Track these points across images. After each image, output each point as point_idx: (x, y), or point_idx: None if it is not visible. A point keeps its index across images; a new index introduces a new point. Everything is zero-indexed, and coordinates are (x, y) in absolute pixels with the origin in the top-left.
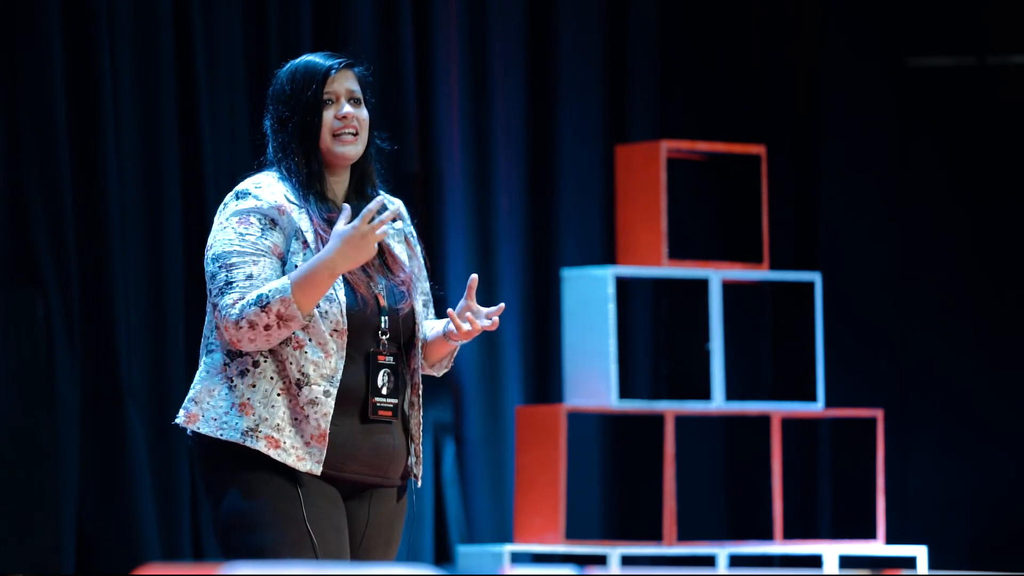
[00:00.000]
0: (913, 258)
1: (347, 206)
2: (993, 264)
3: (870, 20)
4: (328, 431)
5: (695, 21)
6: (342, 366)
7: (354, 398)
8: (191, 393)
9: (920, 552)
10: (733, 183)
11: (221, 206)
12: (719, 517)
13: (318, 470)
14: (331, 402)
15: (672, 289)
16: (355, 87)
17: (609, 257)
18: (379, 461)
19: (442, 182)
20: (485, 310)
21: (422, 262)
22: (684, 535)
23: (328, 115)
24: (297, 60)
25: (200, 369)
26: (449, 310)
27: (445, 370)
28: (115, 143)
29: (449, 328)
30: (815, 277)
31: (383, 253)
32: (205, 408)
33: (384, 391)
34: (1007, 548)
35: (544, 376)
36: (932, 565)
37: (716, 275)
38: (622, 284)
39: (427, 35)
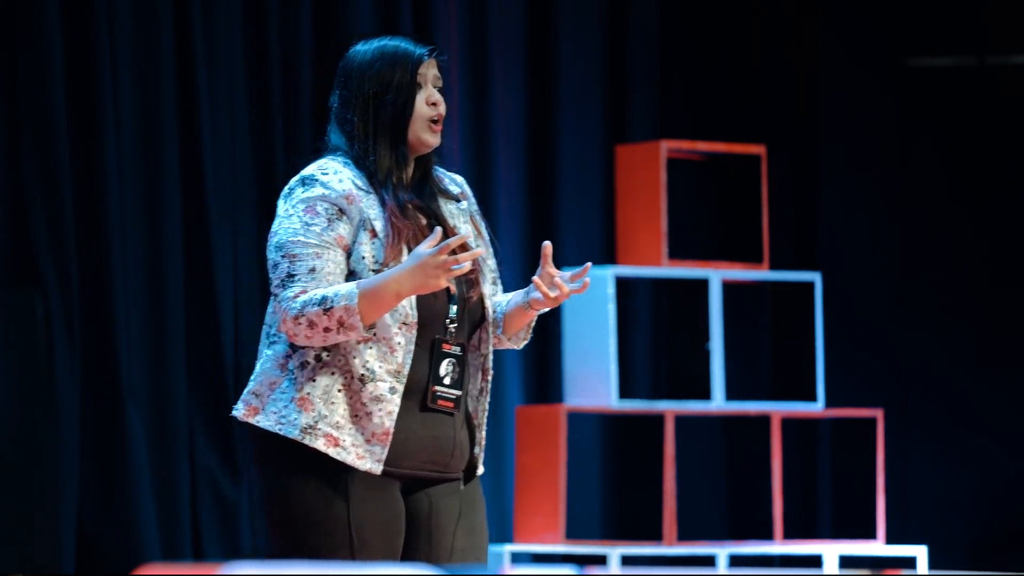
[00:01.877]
0: (913, 258)
1: (438, 229)
2: (993, 264)
3: (870, 20)
4: (392, 429)
5: (695, 21)
6: (410, 361)
7: (417, 389)
8: (251, 385)
9: (920, 552)
10: (733, 183)
11: (285, 192)
12: (719, 517)
13: (378, 469)
14: (397, 399)
15: (672, 289)
16: (439, 75)
17: (609, 257)
18: (439, 456)
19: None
20: (569, 273)
21: (488, 240)
22: (684, 535)
23: (420, 100)
24: (377, 40)
25: (261, 360)
26: (534, 278)
27: (525, 342)
28: (115, 143)
29: (533, 296)
30: (815, 277)
31: (450, 238)
32: (265, 401)
33: (447, 381)
34: (1007, 548)
35: (544, 376)
36: (932, 565)
37: (716, 275)
38: (622, 284)
39: (427, 35)
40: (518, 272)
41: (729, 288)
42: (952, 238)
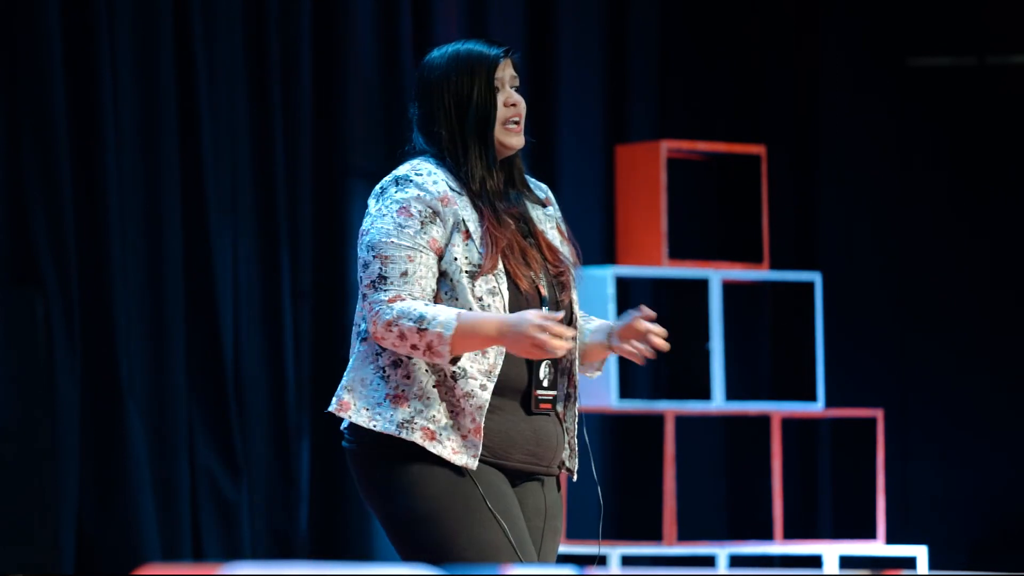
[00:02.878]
0: (913, 258)
1: (560, 313)
2: (993, 263)
3: (870, 20)
4: (483, 424)
5: (695, 21)
6: (501, 361)
7: (515, 390)
8: (344, 381)
9: (920, 552)
10: (733, 183)
11: (377, 191)
12: (719, 517)
13: (474, 464)
14: (486, 396)
15: (672, 289)
16: (515, 74)
17: (609, 257)
18: (541, 450)
19: None
20: (649, 327)
21: (573, 246)
22: (684, 535)
23: (500, 102)
24: (451, 47)
25: (353, 357)
26: (619, 328)
27: (598, 373)
28: (115, 143)
29: (615, 344)
30: (815, 277)
31: (540, 243)
32: (358, 397)
33: (545, 383)
34: (1007, 548)
35: None
36: (932, 565)
37: (716, 275)
38: (622, 284)
39: (427, 35)
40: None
41: (729, 288)
42: (952, 238)
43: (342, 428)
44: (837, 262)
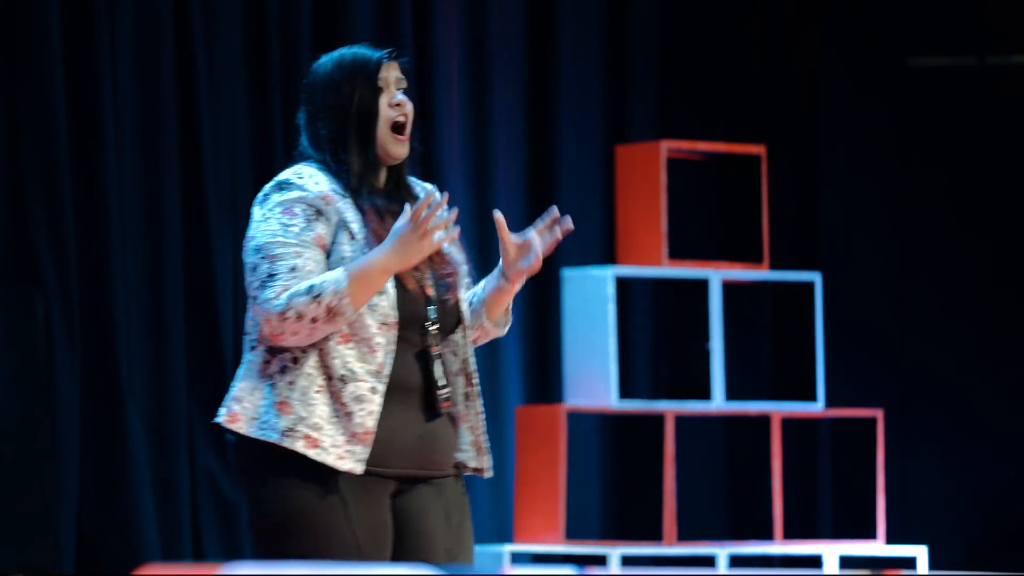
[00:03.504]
0: (913, 258)
1: (408, 206)
2: (993, 263)
3: (870, 20)
4: (374, 430)
5: (695, 21)
6: (391, 361)
7: (405, 392)
8: (232, 392)
9: (920, 552)
10: (733, 183)
11: (260, 197)
12: (719, 517)
13: (360, 469)
14: (379, 399)
15: (672, 289)
16: (402, 76)
17: (609, 257)
18: (430, 453)
19: (442, 182)
20: (534, 229)
21: (460, 246)
22: (684, 535)
23: (383, 103)
24: (337, 52)
25: (241, 366)
26: (506, 240)
27: (508, 326)
28: (115, 143)
29: (518, 267)
30: (815, 277)
31: None
32: (246, 407)
33: (440, 383)
34: (1007, 548)
35: (544, 376)
36: (932, 565)
37: (716, 275)
38: (622, 284)
39: (427, 35)
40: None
41: (729, 288)
42: (952, 238)
43: (228, 435)
44: (837, 262)
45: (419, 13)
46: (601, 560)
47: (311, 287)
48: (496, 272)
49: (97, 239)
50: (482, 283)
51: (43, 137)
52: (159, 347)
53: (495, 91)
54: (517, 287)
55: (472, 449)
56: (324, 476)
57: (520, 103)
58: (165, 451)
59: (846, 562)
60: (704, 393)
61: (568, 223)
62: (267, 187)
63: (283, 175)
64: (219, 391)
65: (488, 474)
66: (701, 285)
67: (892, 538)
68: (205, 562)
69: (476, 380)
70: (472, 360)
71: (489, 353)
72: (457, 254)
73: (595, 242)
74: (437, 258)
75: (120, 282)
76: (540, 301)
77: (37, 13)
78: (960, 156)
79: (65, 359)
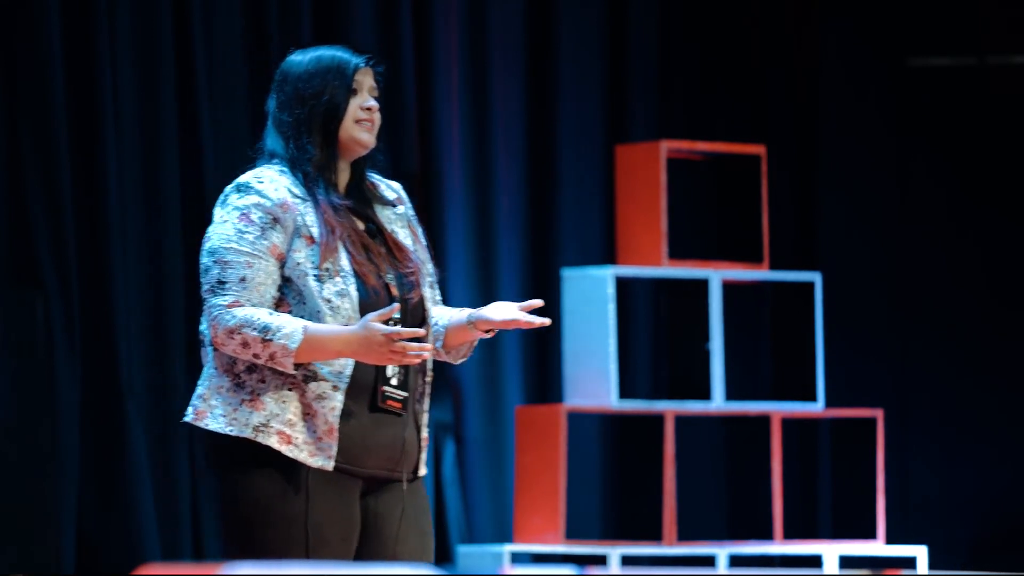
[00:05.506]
0: (913, 258)
1: (396, 305)
2: (992, 263)
3: (870, 20)
4: (337, 426)
5: (695, 21)
6: (352, 361)
7: (364, 390)
8: (199, 390)
9: (920, 552)
10: (733, 183)
11: (220, 199)
12: (719, 517)
13: (330, 465)
14: (340, 396)
15: (672, 289)
16: (375, 85)
17: (609, 257)
18: (393, 454)
19: (442, 182)
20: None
21: (425, 244)
22: (684, 535)
23: (354, 103)
24: (316, 48)
25: (207, 364)
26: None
27: (464, 359)
28: (115, 143)
29: (478, 318)
30: (815, 277)
31: (388, 242)
32: (214, 404)
33: (394, 381)
34: (1007, 548)
35: (544, 376)
36: (932, 565)
37: (716, 275)
38: (622, 284)
39: (427, 35)
40: (517, 271)
41: (729, 288)
42: (952, 237)
43: (186, 425)
44: (837, 262)
45: (419, 13)
46: (601, 560)
47: (266, 327)
48: (467, 314)
49: (97, 239)
50: (448, 312)
51: (43, 137)
52: (159, 347)
53: (495, 91)
54: (480, 334)
55: (422, 449)
56: (294, 471)
57: (520, 103)
58: (165, 451)
59: (846, 562)
60: (704, 393)
61: (545, 320)
62: (228, 188)
63: (244, 177)
64: None
65: (423, 470)
66: (701, 285)
67: (892, 538)
68: (205, 562)
69: (430, 379)
70: (430, 360)
71: (489, 353)
72: (421, 252)
73: (595, 242)
74: (399, 255)
75: (120, 282)
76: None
77: (37, 13)
78: (960, 156)
79: (65, 359)
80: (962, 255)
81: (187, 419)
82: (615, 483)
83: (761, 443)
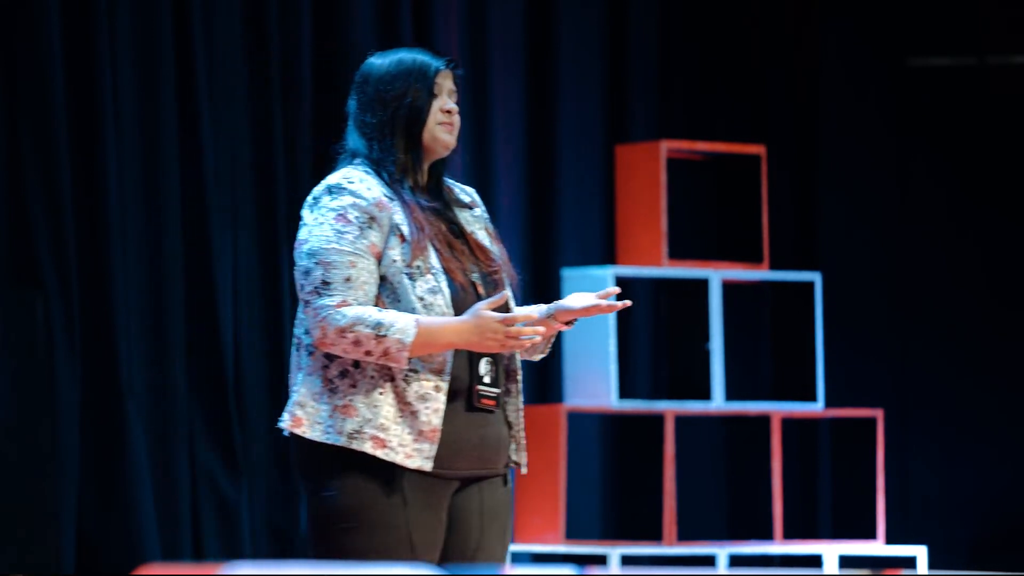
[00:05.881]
0: (913, 258)
1: (506, 292)
2: (992, 263)
3: (870, 20)
4: (440, 427)
5: (695, 21)
6: (451, 358)
7: (460, 389)
8: (294, 396)
9: (920, 552)
10: (733, 183)
11: (310, 201)
12: (719, 517)
13: (428, 466)
14: (443, 397)
15: (672, 289)
16: (455, 88)
17: (609, 257)
18: (486, 453)
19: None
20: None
21: (499, 241)
22: (684, 535)
23: (435, 106)
24: (396, 51)
25: (299, 371)
26: (562, 308)
27: (543, 355)
28: (115, 143)
29: (559, 308)
30: (815, 277)
31: (470, 243)
32: (309, 411)
33: (487, 379)
34: (1007, 548)
35: (544, 376)
36: (932, 565)
37: (716, 275)
38: (622, 284)
39: (427, 35)
40: (517, 271)
41: (729, 288)
42: (952, 237)
43: (285, 434)
44: (837, 262)
45: (419, 13)
46: (601, 560)
47: (379, 323)
48: (546, 308)
49: (97, 239)
50: (523, 310)
51: (43, 137)
52: (159, 347)
53: (495, 91)
54: (559, 327)
55: (514, 443)
56: (389, 476)
57: (520, 103)
58: (165, 451)
59: (846, 562)
60: (704, 393)
61: (626, 302)
62: (317, 190)
63: (333, 179)
64: (219, 391)
65: (523, 470)
66: (701, 285)
67: (892, 538)
68: (205, 562)
69: (519, 378)
70: (517, 358)
71: None
72: (499, 251)
73: (595, 242)
74: (482, 256)
75: (120, 282)
76: (540, 301)
77: (37, 13)
78: (960, 156)
79: (65, 359)
80: (962, 255)
81: (282, 425)
82: (615, 483)
83: (761, 443)
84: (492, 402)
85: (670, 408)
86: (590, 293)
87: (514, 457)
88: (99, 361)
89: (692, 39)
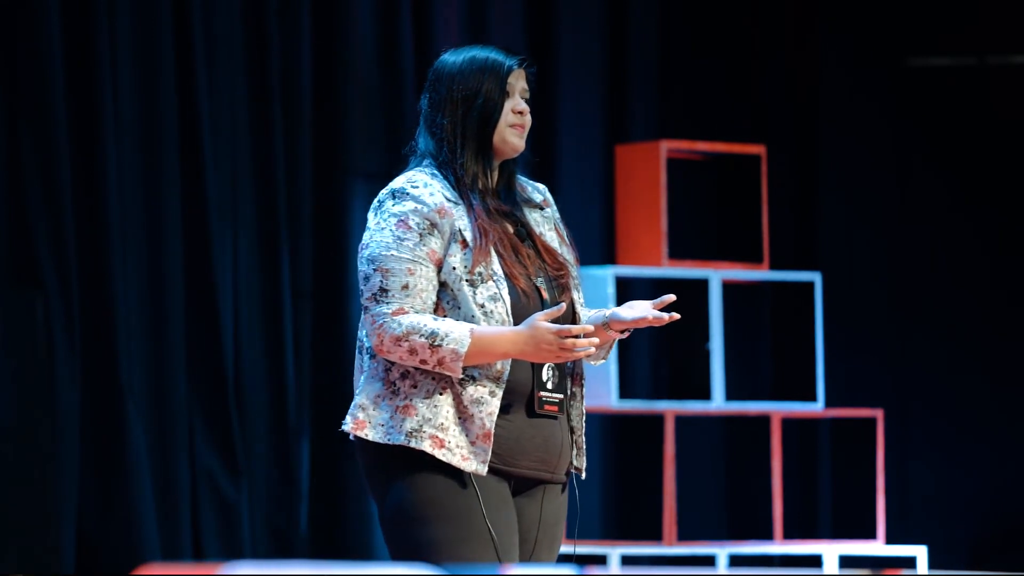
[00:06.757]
0: (912, 258)
1: (563, 304)
2: (992, 263)
3: (869, 21)
4: (493, 430)
5: (695, 21)
6: (509, 364)
7: (521, 393)
8: (357, 399)
9: (920, 552)
10: (733, 183)
11: (375, 205)
12: (719, 517)
13: (483, 470)
14: (496, 402)
15: (672, 289)
16: (527, 87)
17: (609, 257)
18: (549, 456)
19: None
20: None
21: (571, 247)
22: (684, 535)
23: (507, 106)
24: (469, 48)
25: (363, 373)
26: (614, 316)
27: (602, 360)
28: (115, 143)
29: (612, 318)
30: (815, 277)
31: (537, 245)
32: (372, 414)
33: (549, 385)
34: (1007, 548)
35: None
36: (932, 565)
37: (716, 275)
38: (622, 284)
39: (427, 35)
40: None
41: (729, 288)
42: (951, 237)
43: (351, 438)
44: (837, 262)
45: (419, 13)
46: (601, 560)
47: (434, 333)
48: (603, 314)
49: (97, 239)
50: (587, 313)
51: (43, 137)
52: (159, 347)
53: None
54: (618, 335)
55: (575, 447)
56: (454, 472)
57: None
58: (165, 451)
59: (846, 562)
60: (704, 393)
61: (675, 315)
62: (382, 194)
63: (398, 183)
64: (219, 391)
65: (583, 475)
66: (701, 285)
67: (892, 538)
68: (205, 562)
69: (583, 382)
70: (581, 362)
71: None
72: (568, 254)
73: (595, 242)
74: (548, 259)
75: (120, 282)
76: None
77: (37, 13)
78: (959, 156)
79: (65, 359)
80: (962, 255)
81: (345, 428)
82: (615, 483)
83: (761, 443)
84: (555, 408)
85: (670, 408)
86: (645, 301)
87: (575, 462)
88: (99, 361)
89: (692, 39)
